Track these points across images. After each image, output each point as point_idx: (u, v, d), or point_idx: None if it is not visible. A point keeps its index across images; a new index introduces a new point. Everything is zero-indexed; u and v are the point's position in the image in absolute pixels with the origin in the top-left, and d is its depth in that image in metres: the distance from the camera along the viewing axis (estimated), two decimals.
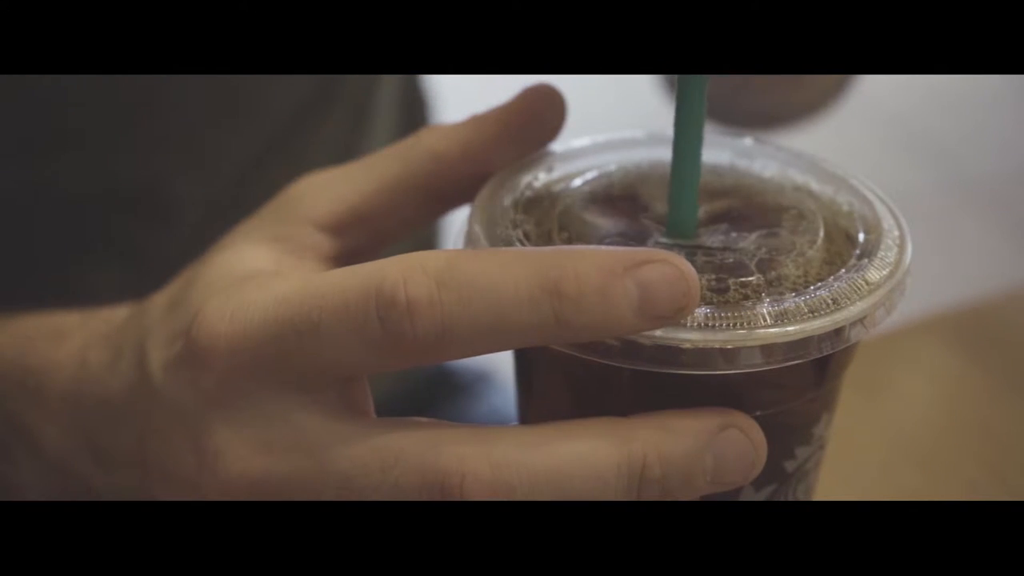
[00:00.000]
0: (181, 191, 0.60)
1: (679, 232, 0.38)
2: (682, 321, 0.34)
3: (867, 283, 0.36)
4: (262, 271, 0.38)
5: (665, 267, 0.33)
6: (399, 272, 0.33)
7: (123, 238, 0.59)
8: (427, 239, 0.73)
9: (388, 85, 0.70)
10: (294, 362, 0.34)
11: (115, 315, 0.43)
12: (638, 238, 0.38)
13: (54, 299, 0.55)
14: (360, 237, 0.40)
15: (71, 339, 0.43)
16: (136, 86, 0.55)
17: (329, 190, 0.40)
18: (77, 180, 0.57)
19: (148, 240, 0.60)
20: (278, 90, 0.61)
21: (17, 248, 0.58)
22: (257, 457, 0.35)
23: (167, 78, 0.55)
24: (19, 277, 0.58)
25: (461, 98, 0.77)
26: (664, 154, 0.42)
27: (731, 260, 0.37)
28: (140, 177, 0.58)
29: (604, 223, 0.38)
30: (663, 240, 0.38)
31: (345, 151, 0.66)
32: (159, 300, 0.40)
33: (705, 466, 0.34)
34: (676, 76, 0.37)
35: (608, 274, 0.33)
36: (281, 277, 0.36)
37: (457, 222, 0.41)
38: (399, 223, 0.41)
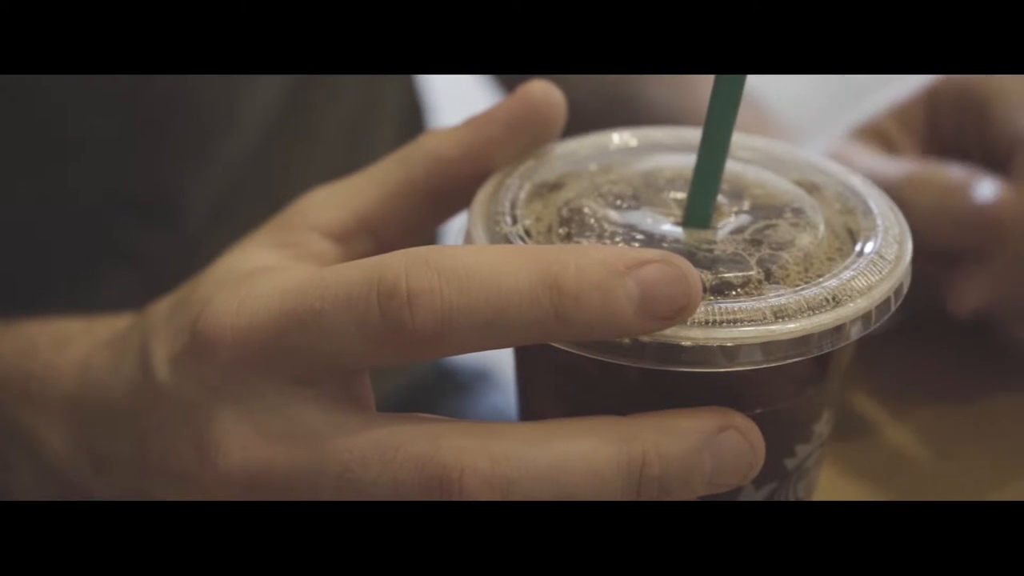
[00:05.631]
0: (184, 196, 0.60)
1: (696, 223, 0.38)
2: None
3: (868, 280, 0.36)
4: (268, 267, 0.38)
5: (667, 267, 0.33)
6: (401, 264, 0.33)
7: (128, 243, 0.60)
8: (429, 241, 0.73)
9: (389, 88, 0.70)
10: (297, 354, 0.35)
11: (118, 321, 0.43)
12: (641, 230, 0.38)
13: (59, 304, 0.55)
14: (365, 244, 0.41)
15: (74, 345, 0.43)
16: (144, 92, 0.56)
17: (333, 199, 0.41)
18: (84, 186, 0.57)
19: (152, 245, 0.60)
20: (270, 91, 0.61)
21: (23, 253, 0.58)
22: (258, 448, 0.35)
23: (173, 84, 0.55)
24: (25, 282, 0.58)
25: (460, 104, 0.77)
26: (662, 151, 0.42)
27: (732, 257, 0.36)
28: (146, 182, 0.59)
29: (604, 217, 0.38)
30: (667, 232, 0.38)
31: (348, 152, 0.67)
32: (163, 304, 0.40)
33: (703, 466, 0.34)
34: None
35: (609, 271, 0.33)
36: (286, 271, 0.37)
37: (457, 222, 0.41)
38: (403, 228, 0.41)
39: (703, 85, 0.66)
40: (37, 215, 0.57)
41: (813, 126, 0.69)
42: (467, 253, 0.33)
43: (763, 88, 0.63)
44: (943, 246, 0.50)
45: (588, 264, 0.33)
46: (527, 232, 0.38)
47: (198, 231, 0.60)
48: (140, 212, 0.59)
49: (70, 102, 0.54)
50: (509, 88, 0.76)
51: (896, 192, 0.42)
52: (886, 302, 0.36)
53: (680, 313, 0.33)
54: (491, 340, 0.33)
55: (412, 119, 0.75)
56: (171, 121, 0.58)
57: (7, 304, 0.56)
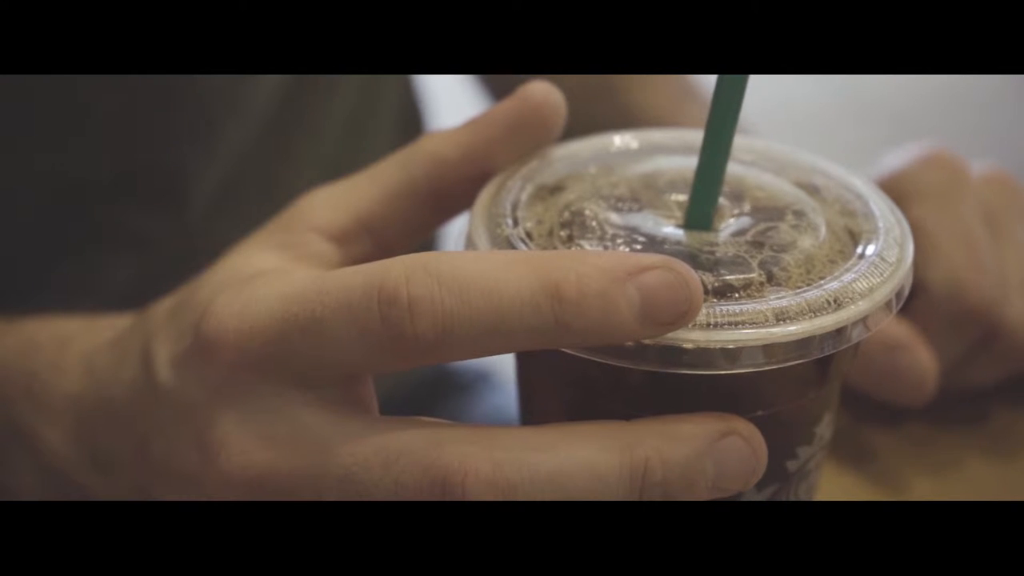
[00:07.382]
0: (187, 180, 0.60)
1: (697, 225, 0.38)
2: None
3: (869, 283, 0.36)
4: (270, 270, 0.38)
5: (668, 273, 0.33)
6: (402, 271, 0.33)
7: (129, 226, 0.60)
8: (428, 242, 0.73)
9: (389, 85, 0.71)
10: (298, 358, 0.35)
11: (119, 320, 0.43)
12: (643, 233, 0.38)
13: (59, 285, 0.55)
14: (366, 245, 0.41)
15: (76, 344, 0.43)
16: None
17: (334, 200, 0.41)
18: (87, 164, 0.57)
19: (154, 229, 0.60)
20: (274, 79, 0.61)
21: (27, 234, 0.58)
22: (260, 451, 0.35)
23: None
24: (26, 262, 0.58)
25: (460, 104, 0.77)
26: (662, 153, 0.42)
27: (734, 259, 0.36)
28: (149, 164, 0.59)
29: (606, 220, 0.38)
30: (669, 234, 0.38)
31: (348, 146, 0.67)
32: (164, 305, 0.40)
33: (706, 472, 0.34)
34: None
35: (610, 278, 0.32)
36: (288, 274, 0.37)
37: (458, 223, 0.41)
38: (404, 230, 0.41)
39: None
40: (40, 193, 0.57)
41: (812, 126, 0.69)
42: (467, 260, 0.33)
43: (763, 88, 0.64)
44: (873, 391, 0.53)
45: (589, 271, 0.33)
46: (528, 234, 0.38)
47: (199, 217, 0.61)
48: (142, 194, 0.59)
49: (78, 81, 0.54)
50: (496, 90, 0.76)
51: None
52: (887, 304, 0.36)
53: (681, 318, 0.33)
54: (492, 347, 0.33)
55: (411, 119, 0.75)
56: (176, 102, 0.58)
57: (7, 284, 0.56)
